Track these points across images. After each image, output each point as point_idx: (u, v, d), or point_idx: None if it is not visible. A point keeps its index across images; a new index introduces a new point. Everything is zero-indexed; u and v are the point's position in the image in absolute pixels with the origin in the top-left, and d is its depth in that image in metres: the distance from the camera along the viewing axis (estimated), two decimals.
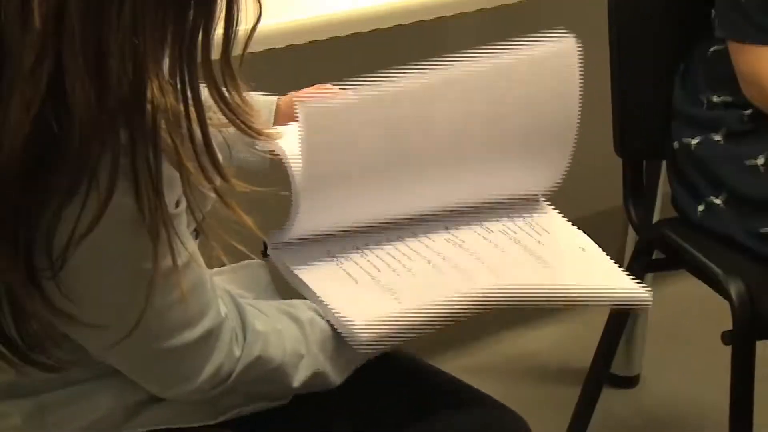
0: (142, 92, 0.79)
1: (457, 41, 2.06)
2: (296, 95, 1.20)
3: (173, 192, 0.86)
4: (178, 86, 0.82)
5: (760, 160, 1.49)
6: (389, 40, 1.85)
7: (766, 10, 1.46)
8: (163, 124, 0.82)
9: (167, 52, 0.82)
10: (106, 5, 0.76)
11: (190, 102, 0.83)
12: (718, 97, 1.55)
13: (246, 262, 1.14)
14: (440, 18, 1.66)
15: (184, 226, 0.89)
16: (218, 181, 0.91)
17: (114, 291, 0.88)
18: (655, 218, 1.80)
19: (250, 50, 1.42)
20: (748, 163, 1.50)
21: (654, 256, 1.65)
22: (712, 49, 1.54)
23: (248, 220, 0.92)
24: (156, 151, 0.82)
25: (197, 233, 1.03)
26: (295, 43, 1.52)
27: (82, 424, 0.97)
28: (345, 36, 1.58)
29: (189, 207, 0.90)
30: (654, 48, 1.64)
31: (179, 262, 0.88)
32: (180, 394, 0.99)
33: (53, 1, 0.76)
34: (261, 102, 1.18)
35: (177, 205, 0.87)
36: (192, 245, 0.91)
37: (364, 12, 1.57)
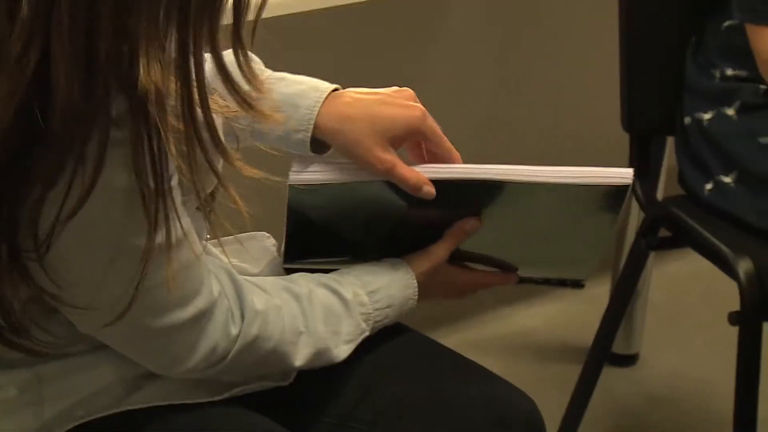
0: (135, 73, 0.77)
1: (465, 13, 2.10)
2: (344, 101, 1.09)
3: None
4: (181, 65, 0.80)
5: None
6: (394, 10, 1.86)
7: None
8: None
9: (168, 30, 0.80)
10: None
11: (194, 82, 0.81)
12: (733, 70, 1.55)
13: (252, 233, 1.12)
14: None
15: (178, 201, 0.88)
16: (220, 163, 0.89)
17: (104, 270, 0.87)
18: (659, 195, 1.80)
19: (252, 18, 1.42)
20: (761, 140, 1.49)
21: (659, 234, 1.64)
22: (726, 24, 1.54)
23: (243, 207, 0.91)
24: (156, 132, 0.81)
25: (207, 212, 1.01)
26: (298, 11, 1.51)
27: (81, 397, 0.97)
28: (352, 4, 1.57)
29: (193, 186, 0.88)
30: (664, 21, 1.64)
31: (173, 239, 0.87)
32: (176, 374, 0.98)
33: None
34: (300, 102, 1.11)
35: (169, 179, 0.85)
36: (186, 222, 0.90)
37: None
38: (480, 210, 1.08)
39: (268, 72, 1.10)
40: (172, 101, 0.81)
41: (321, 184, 1.04)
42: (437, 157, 1.07)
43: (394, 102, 1.05)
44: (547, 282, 1.20)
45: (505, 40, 2.24)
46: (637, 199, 1.64)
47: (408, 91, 1.08)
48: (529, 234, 1.12)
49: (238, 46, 0.87)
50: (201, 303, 0.94)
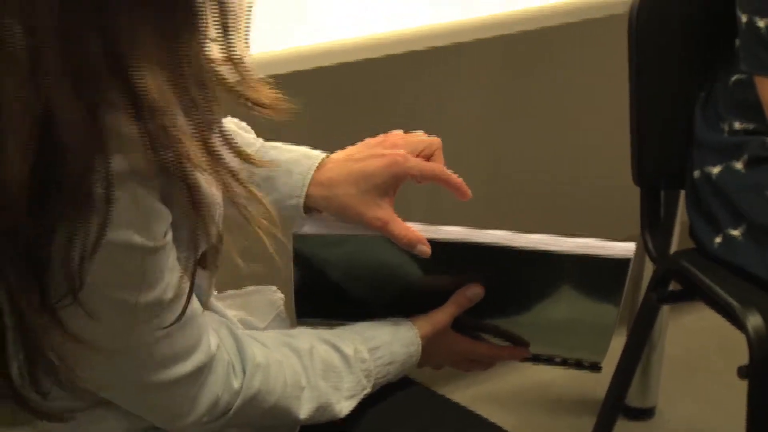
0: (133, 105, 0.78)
1: (472, 67, 2.12)
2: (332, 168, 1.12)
3: (161, 223, 0.85)
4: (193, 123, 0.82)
5: None
6: (408, 65, 1.88)
7: None
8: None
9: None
10: (84, 32, 0.76)
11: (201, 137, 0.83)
12: (741, 124, 1.56)
13: (259, 286, 1.14)
14: (455, 44, 1.69)
15: (173, 258, 0.89)
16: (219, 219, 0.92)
17: (96, 323, 0.86)
18: (673, 248, 1.81)
19: (269, 73, 1.45)
20: (767, 193, 1.50)
21: (671, 287, 1.65)
22: (734, 78, 1.56)
23: (241, 263, 0.93)
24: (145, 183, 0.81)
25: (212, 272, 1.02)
26: (312, 67, 1.53)
27: None
28: (360, 61, 1.59)
29: (192, 240, 0.89)
30: (674, 76, 1.66)
31: (167, 296, 0.88)
32: (179, 428, 0.98)
33: (30, 44, 0.76)
34: (293, 168, 1.13)
35: (164, 235, 0.86)
36: (183, 279, 0.91)
37: (381, 37, 1.60)
38: (483, 277, 1.08)
39: (260, 141, 1.13)
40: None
41: (324, 234, 1.06)
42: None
43: (372, 155, 1.07)
44: (564, 363, 1.18)
45: (516, 95, 2.26)
46: (648, 253, 1.65)
47: (391, 138, 1.10)
48: (534, 307, 1.12)
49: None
50: (200, 357, 0.94)
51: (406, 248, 1.04)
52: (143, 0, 0.78)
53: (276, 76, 1.29)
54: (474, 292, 1.07)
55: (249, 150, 1.07)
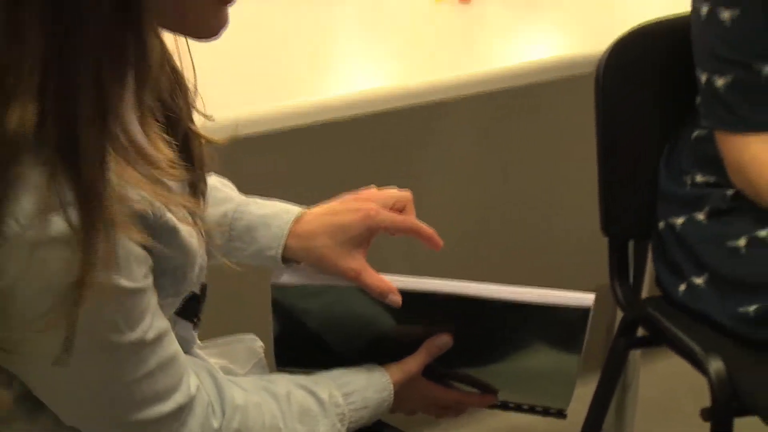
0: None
1: (455, 123, 2.16)
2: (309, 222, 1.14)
3: (141, 266, 0.86)
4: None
5: (742, 242, 1.53)
6: (392, 122, 1.90)
7: (747, 101, 1.52)
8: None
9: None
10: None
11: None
12: (702, 177, 1.59)
13: (240, 335, 1.16)
14: (437, 102, 1.71)
15: (154, 301, 0.90)
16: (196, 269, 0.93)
17: (79, 362, 0.86)
18: (645, 295, 1.84)
19: (256, 131, 1.45)
20: (729, 244, 1.53)
21: (641, 333, 1.68)
22: (696, 133, 1.60)
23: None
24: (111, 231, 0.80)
25: (195, 322, 1.06)
26: (301, 123, 1.55)
27: None
28: (348, 117, 1.61)
29: (174, 286, 0.91)
30: (639, 131, 1.68)
31: (148, 337, 0.88)
32: None
33: None
34: (272, 223, 1.16)
35: (145, 277, 0.87)
36: (164, 322, 0.92)
37: (367, 94, 1.61)
38: (452, 326, 1.10)
39: (241, 197, 1.17)
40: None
41: (301, 285, 1.09)
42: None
43: (347, 209, 1.11)
44: (532, 410, 1.20)
45: (496, 156, 2.28)
46: (617, 300, 1.67)
47: (365, 193, 1.13)
48: (500, 355, 1.14)
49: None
50: (180, 398, 0.94)
51: (378, 298, 1.06)
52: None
53: (270, 133, 1.34)
54: (443, 341, 1.09)
55: (229, 205, 1.14)
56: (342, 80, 1.69)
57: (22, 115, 0.74)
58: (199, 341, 1.08)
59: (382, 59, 1.78)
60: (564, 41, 1.87)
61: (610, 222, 1.67)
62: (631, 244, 1.74)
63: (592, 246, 1.80)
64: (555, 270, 1.99)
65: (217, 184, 1.16)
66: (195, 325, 1.05)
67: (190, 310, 1.02)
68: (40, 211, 0.76)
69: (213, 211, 1.13)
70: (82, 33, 0.76)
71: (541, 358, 1.12)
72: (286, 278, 1.09)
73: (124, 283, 0.82)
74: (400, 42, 1.83)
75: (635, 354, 2.08)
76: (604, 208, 1.67)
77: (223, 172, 1.20)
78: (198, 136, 0.99)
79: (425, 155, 2.17)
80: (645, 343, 1.71)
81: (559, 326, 1.09)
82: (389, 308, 1.07)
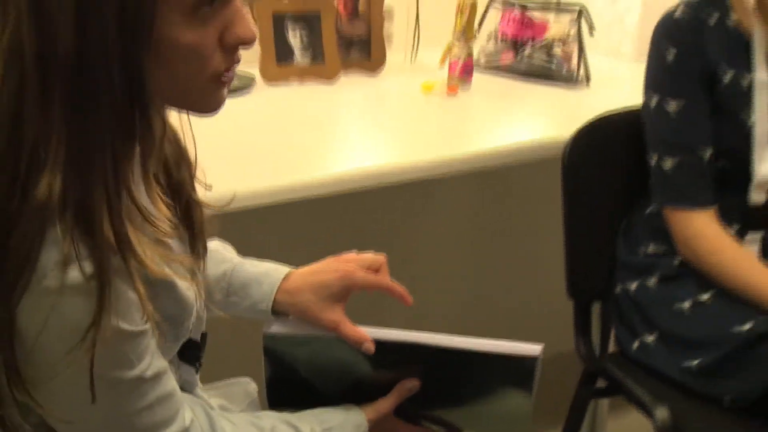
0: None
1: (443, 198, 2.21)
2: (295, 280, 1.16)
3: (139, 312, 0.85)
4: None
5: (686, 304, 1.53)
6: (389, 195, 1.96)
7: (691, 181, 1.54)
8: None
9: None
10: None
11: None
12: (654, 247, 1.61)
13: (237, 379, 1.19)
14: (428, 179, 1.72)
15: (153, 343, 0.89)
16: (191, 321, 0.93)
17: (76, 392, 0.85)
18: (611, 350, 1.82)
19: (260, 203, 1.47)
20: (676, 306, 1.54)
21: (601, 384, 1.68)
22: (648, 210, 1.62)
23: None
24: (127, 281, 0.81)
25: (197, 367, 1.07)
26: (302, 196, 1.55)
27: None
28: (350, 190, 1.61)
29: (173, 332, 0.91)
30: (599, 208, 1.69)
31: (147, 374, 0.88)
32: None
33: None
34: (265, 280, 1.16)
35: (144, 322, 0.86)
36: (163, 362, 0.91)
37: (367, 170, 1.62)
38: (419, 371, 1.12)
39: (238, 258, 1.18)
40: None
41: (289, 335, 1.11)
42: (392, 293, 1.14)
43: (327, 269, 1.13)
44: None
45: (480, 230, 2.30)
46: (580, 355, 1.67)
47: (345, 256, 1.16)
48: (462, 397, 1.15)
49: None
50: (175, 428, 0.94)
51: (355, 346, 1.09)
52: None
53: (280, 204, 1.37)
54: (411, 384, 1.12)
55: (227, 265, 1.16)
56: (345, 158, 1.70)
57: (51, 184, 0.77)
58: (200, 383, 1.10)
59: (380, 141, 1.81)
60: (536, 128, 1.89)
61: (574, 287, 1.68)
62: (597, 307, 1.74)
63: (564, 308, 1.79)
64: (535, 328, 1.98)
65: (218, 247, 1.19)
66: (197, 370, 1.07)
67: (192, 356, 1.05)
68: (59, 264, 0.78)
69: (214, 270, 1.16)
70: (98, 115, 0.78)
71: (499, 401, 1.13)
72: (276, 329, 1.11)
73: (126, 326, 0.83)
74: (396, 126, 1.87)
75: (603, 406, 2.08)
76: (568, 275, 1.68)
77: (232, 238, 1.23)
78: (199, 203, 1.01)
79: (418, 225, 2.18)
80: (603, 394, 1.70)
81: (513, 372, 1.10)
82: (366, 356, 1.09)
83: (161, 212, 0.91)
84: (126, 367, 0.85)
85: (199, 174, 1.02)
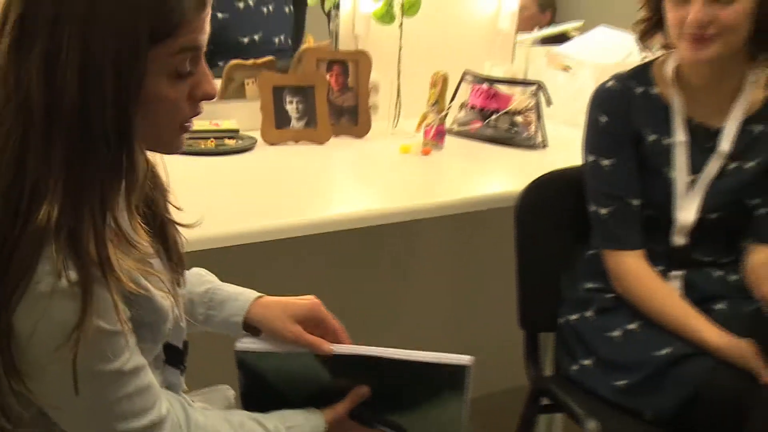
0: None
1: (419, 239, 2.28)
2: (266, 303, 1.18)
3: (119, 315, 0.87)
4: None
5: (617, 333, 1.59)
6: (376, 236, 1.98)
7: (623, 226, 1.61)
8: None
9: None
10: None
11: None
12: (592, 284, 1.67)
13: (217, 386, 1.22)
14: (414, 220, 1.78)
15: (132, 341, 0.91)
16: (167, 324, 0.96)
17: (63, 383, 0.86)
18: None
19: (262, 239, 1.51)
20: (608, 334, 1.60)
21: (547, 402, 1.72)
22: (589, 252, 1.69)
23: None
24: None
25: (181, 369, 1.08)
26: (300, 234, 1.60)
27: None
28: (340, 231, 1.65)
29: (150, 335, 0.93)
30: (546, 250, 1.75)
31: (126, 368, 0.90)
32: None
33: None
34: (238, 298, 1.18)
35: (122, 324, 0.88)
36: (141, 359, 0.93)
37: (350, 214, 1.67)
38: (370, 380, 1.14)
39: (217, 281, 1.21)
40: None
41: (258, 350, 1.13)
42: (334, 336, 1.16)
43: (298, 299, 1.18)
44: None
45: (453, 267, 2.34)
46: (528, 377, 1.72)
47: (309, 296, 1.19)
48: (405, 402, 1.16)
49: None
50: (153, 416, 0.95)
51: (313, 351, 1.12)
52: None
53: (279, 241, 1.40)
54: (363, 391, 1.14)
55: (209, 285, 1.19)
56: (334, 204, 1.77)
57: (49, 213, 0.83)
58: (186, 387, 1.12)
59: (364, 191, 1.87)
60: (496, 183, 1.95)
61: (524, 319, 1.74)
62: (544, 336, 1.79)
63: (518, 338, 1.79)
64: (497, 360, 2.01)
65: (201, 272, 1.23)
66: (181, 372, 1.09)
67: (176, 360, 1.07)
68: (51, 275, 0.83)
69: (198, 288, 1.20)
70: (93, 158, 0.84)
71: (436, 405, 1.15)
72: (245, 345, 1.13)
73: (105, 326, 0.86)
74: (378, 180, 1.92)
75: (557, 422, 2.11)
76: (520, 308, 1.73)
77: (236, 270, 1.29)
78: (172, 221, 1.04)
79: (399, 261, 2.22)
80: (547, 410, 1.74)
81: (448, 380, 1.12)
82: (325, 367, 1.12)
83: (141, 236, 0.94)
84: (105, 360, 0.88)
85: (171, 199, 1.06)
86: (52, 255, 0.83)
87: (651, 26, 1.61)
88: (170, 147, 0.95)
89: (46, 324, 0.84)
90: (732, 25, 1.49)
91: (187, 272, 1.16)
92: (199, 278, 1.22)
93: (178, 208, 1.07)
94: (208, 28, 0.91)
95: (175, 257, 1.05)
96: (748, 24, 1.50)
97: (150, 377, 0.96)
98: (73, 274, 0.83)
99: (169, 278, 1.00)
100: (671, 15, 1.54)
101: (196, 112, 0.94)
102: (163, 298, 0.96)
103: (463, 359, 1.11)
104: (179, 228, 1.07)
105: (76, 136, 0.84)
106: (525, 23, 2.74)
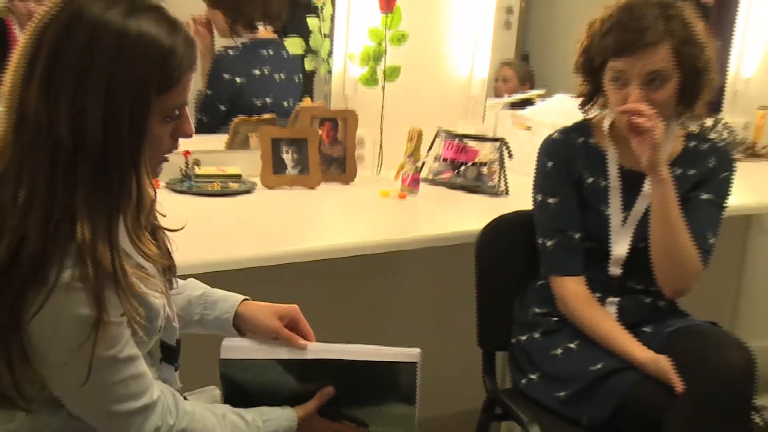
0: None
1: (408, 268, 2.31)
2: (251, 308, 1.22)
3: (116, 309, 0.92)
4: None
5: (559, 351, 1.66)
6: (362, 265, 1.97)
7: (565, 255, 1.68)
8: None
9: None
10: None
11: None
12: (539, 309, 1.73)
13: (205, 387, 1.25)
14: (395, 252, 1.84)
15: (127, 334, 0.95)
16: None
17: (67, 371, 0.91)
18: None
19: (259, 265, 1.56)
20: (552, 352, 1.66)
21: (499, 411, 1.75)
22: (538, 283, 1.76)
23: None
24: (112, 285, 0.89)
25: (175, 366, 1.13)
26: (293, 261, 1.67)
27: None
28: (333, 259, 1.72)
29: (144, 332, 0.96)
30: (502, 281, 1.81)
31: (122, 355, 0.94)
32: None
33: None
34: (227, 300, 1.23)
35: (120, 317, 0.92)
36: (135, 350, 0.97)
37: (336, 246, 1.74)
38: (335, 381, 1.18)
39: (207, 288, 1.26)
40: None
41: (239, 360, 1.17)
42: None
43: (279, 304, 1.23)
44: None
45: (428, 294, 2.36)
46: (486, 389, 1.77)
47: (292, 305, 1.24)
48: (364, 399, 1.19)
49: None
50: (146, 399, 0.99)
51: (290, 344, 1.16)
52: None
53: (276, 266, 1.46)
54: (328, 390, 1.19)
55: (204, 290, 1.24)
56: (322, 237, 1.85)
57: (83, 232, 0.90)
58: (179, 383, 1.16)
59: (349, 227, 1.95)
60: (462, 223, 2.01)
61: (482, 339, 1.80)
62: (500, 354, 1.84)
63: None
64: (466, 376, 1.99)
65: (196, 281, 1.29)
66: (175, 368, 1.14)
67: (170, 357, 1.13)
68: (71, 278, 0.90)
69: (194, 292, 1.26)
70: (111, 186, 0.92)
71: (393, 397, 1.19)
72: (229, 355, 1.17)
73: (106, 317, 0.92)
74: (360, 219, 2.00)
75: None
76: (478, 330, 1.79)
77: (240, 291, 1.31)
78: (160, 226, 1.10)
79: (379, 287, 2.25)
80: (500, 418, 1.79)
81: (399, 374, 1.17)
82: (297, 373, 1.17)
83: (150, 248, 1.03)
84: (104, 347, 0.93)
85: (159, 208, 1.12)
86: (75, 263, 0.90)
87: (590, 97, 1.73)
88: (154, 172, 1.02)
89: (66, 309, 0.89)
90: (663, 101, 1.61)
91: (184, 281, 1.23)
92: (195, 284, 1.29)
93: (163, 215, 1.12)
94: (192, 86, 1.00)
95: (165, 255, 1.09)
96: (674, 100, 1.63)
97: (143, 366, 1.00)
98: (90, 279, 0.90)
99: (161, 281, 1.06)
100: (613, 96, 1.64)
101: (175, 147, 1.02)
102: (155, 297, 1.01)
103: (413, 354, 1.16)
104: (168, 233, 1.13)
105: (97, 171, 0.91)
106: (509, 92, 2.94)
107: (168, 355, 1.12)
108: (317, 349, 1.20)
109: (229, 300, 1.25)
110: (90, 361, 0.91)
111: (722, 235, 1.70)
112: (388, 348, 1.16)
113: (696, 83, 1.62)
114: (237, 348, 1.19)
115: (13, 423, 0.98)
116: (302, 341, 1.18)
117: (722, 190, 1.70)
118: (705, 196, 1.68)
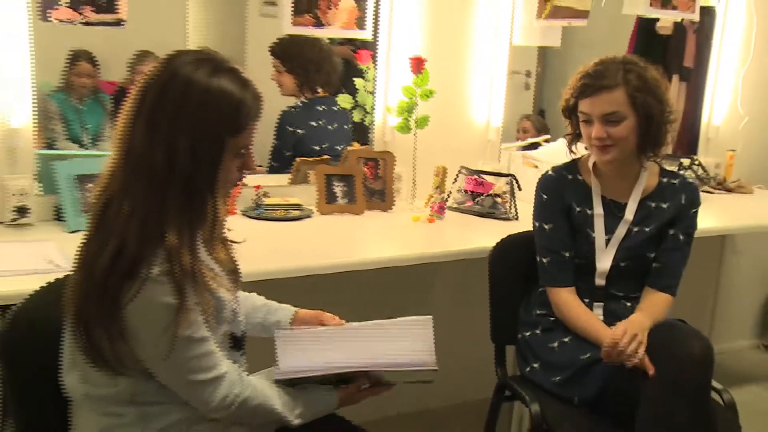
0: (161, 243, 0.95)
1: (434, 278, 2.41)
2: (302, 313, 1.27)
3: (191, 298, 0.96)
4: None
5: (555, 344, 1.71)
6: (397, 276, 2.05)
7: (558, 270, 1.72)
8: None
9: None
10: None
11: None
12: (539, 311, 1.78)
13: (267, 369, 1.25)
14: (424, 263, 1.87)
15: (200, 319, 0.99)
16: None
17: (153, 347, 0.95)
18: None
19: (314, 273, 1.66)
20: (549, 345, 1.72)
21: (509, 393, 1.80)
22: (539, 290, 1.79)
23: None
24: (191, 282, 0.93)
25: (243, 353, 1.14)
26: (343, 271, 1.72)
27: (160, 426, 1.07)
28: (367, 270, 1.77)
29: (212, 319, 1.00)
30: (511, 289, 1.85)
31: (196, 335, 0.99)
32: (206, 412, 1.04)
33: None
34: (285, 309, 1.29)
35: (194, 305, 0.96)
36: (207, 333, 1.00)
37: (377, 258, 1.80)
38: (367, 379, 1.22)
39: (265, 300, 1.30)
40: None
41: (290, 378, 1.18)
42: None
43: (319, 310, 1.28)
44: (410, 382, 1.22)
45: (454, 299, 2.39)
46: (497, 377, 1.81)
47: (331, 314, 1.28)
48: (387, 377, 1.24)
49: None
50: (216, 372, 1.04)
51: (330, 324, 1.21)
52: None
53: (324, 275, 1.54)
54: (362, 381, 1.23)
55: (263, 301, 1.28)
56: (365, 252, 1.90)
57: (171, 239, 0.96)
58: (246, 366, 1.19)
59: (387, 244, 2.01)
60: (480, 241, 2.03)
61: (494, 335, 1.86)
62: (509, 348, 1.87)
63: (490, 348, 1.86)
64: (475, 365, 2.01)
65: (259, 296, 1.34)
66: (242, 354, 1.17)
67: (237, 345, 1.15)
68: (160, 275, 0.95)
69: (258, 302, 1.32)
70: (193, 207, 0.99)
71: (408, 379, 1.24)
72: (282, 374, 1.19)
73: (186, 304, 0.98)
74: (397, 238, 2.05)
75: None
76: (492, 328, 1.85)
77: (295, 298, 1.39)
78: (227, 238, 1.15)
79: (413, 294, 2.31)
80: (509, 399, 1.82)
81: (415, 376, 1.21)
82: (335, 378, 1.21)
83: (221, 254, 1.11)
84: (182, 328, 0.98)
85: (226, 224, 1.17)
86: (164, 262, 0.97)
87: (574, 138, 1.81)
88: (225, 197, 1.10)
89: (155, 299, 0.95)
90: (621, 137, 1.68)
91: (248, 294, 1.28)
92: (258, 297, 1.36)
93: (230, 230, 1.19)
94: (257, 130, 1.06)
95: (232, 266, 1.16)
96: (634, 136, 1.69)
97: (213, 346, 1.04)
98: (174, 274, 0.97)
99: (228, 280, 1.12)
100: (583, 132, 1.74)
101: (242, 178, 1.08)
102: (224, 293, 1.07)
103: (426, 320, 1.20)
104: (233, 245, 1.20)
105: (184, 194, 0.98)
106: (527, 138, 3.00)
107: (235, 343, 1.14)
108: (350, 330, 1.25)
109: (287, 309, 1.32)
110: (173, 339, 0.96)
111: (701, 253, 1.74)
112: (402, 320, 1.20)
113: (651, 126, 1.66)
114: (289, 334, 1.24)
115: (119, 386, 1.05)
116: (339, 320, 1.26)
117: (692, 224, 1.75)
118: (681, 236, 1.72)
